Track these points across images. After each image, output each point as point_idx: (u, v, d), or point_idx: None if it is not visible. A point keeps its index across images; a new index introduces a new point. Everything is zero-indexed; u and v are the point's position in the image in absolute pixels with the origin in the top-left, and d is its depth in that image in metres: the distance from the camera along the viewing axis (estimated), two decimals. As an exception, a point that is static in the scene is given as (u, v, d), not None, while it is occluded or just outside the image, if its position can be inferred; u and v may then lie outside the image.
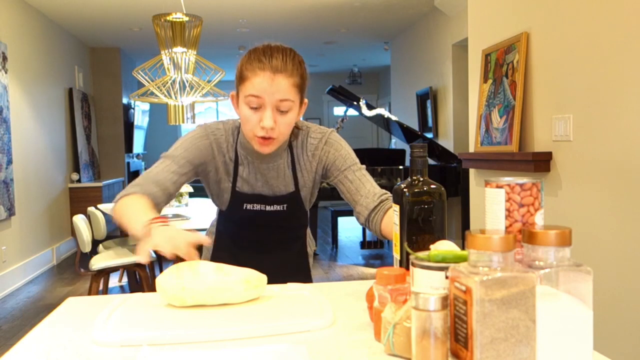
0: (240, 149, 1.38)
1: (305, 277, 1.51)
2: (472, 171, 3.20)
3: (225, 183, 1.40)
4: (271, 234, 1.45)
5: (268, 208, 1.39)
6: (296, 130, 1.39)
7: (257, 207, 1.39)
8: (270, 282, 1.11)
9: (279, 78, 1.23)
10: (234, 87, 1.31)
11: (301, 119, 1.41)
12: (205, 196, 1.50)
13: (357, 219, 1.36)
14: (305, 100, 1.34)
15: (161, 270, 5.00)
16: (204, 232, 1.57)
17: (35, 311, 4.03)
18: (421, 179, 0.99)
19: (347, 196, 1.37)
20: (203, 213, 3.76)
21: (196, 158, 1.35)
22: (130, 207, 1.22)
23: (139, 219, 1.15)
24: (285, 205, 1.40)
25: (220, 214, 1.49)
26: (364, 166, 1.40)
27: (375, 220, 1.29)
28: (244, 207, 1.39)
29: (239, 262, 1.32)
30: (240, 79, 1.28)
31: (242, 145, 1.37)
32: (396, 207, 1.00)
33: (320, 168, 1.41)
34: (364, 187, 1.34)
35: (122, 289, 4.59)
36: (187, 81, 4.27)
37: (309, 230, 1.58)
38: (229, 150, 1.38)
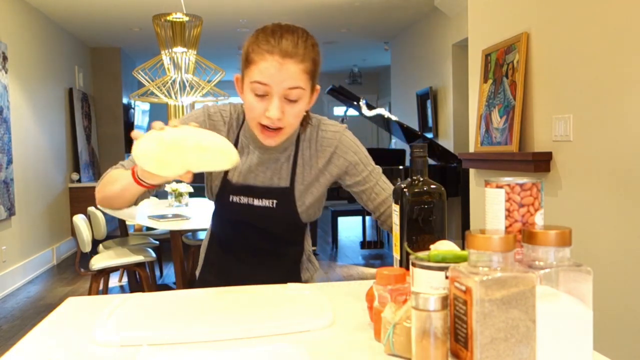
0: (242, 137, 1.28)
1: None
2: (472, 171, 3.20)
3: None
4: (261, 239, 1.33)
5: (256, 202, 1.28)
6: (306, 121, 1.28)
7: (244, 200, 1.28)
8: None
9: (288, 63, 1.10)
10: (235, 87, 1.23)
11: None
12: (205, 196, 1.42)
13: (372, 214, 1.36)
14: (317, 87, 1.21)
15: (161, 271, 5.00)
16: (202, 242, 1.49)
17: (35, 311, 4.03)
18: (421, 179, 0.99)
19: (362, 198, 1.34)
20: (203, 213, 3.76)
21: None
22: (115, 177, 1.17)
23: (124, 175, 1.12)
24: (274, 202, 1.28)
25: (214, 215, 1.40)
26: (378, 167, 1.34)
27: (387, 214, 1.30)
28: (230, 199, 1.29)
29: (229, 276, 1.34)
30: (246, 61, 1.15)
31: (246, 132, 1.27)
32: (396, 207, 1.01)
33: (332, 168, 1.30)
34: (382, 192, 1.31)
35: (122, 289, 4.59)
36: (187, 81, 4.27)
37: (308, 246, 1.44)
38: (230, 135, 1.28)
